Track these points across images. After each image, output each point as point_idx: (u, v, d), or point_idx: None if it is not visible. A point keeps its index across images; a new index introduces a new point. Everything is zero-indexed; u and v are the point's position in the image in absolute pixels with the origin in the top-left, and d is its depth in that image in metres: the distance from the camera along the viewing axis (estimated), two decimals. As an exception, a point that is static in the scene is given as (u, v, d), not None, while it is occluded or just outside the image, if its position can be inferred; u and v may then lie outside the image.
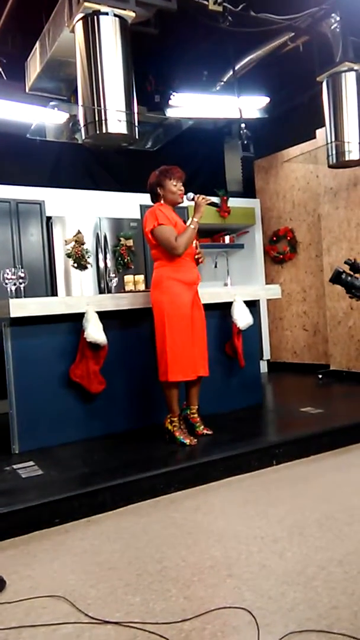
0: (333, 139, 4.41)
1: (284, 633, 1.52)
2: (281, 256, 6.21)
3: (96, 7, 3.19)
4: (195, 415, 3.45)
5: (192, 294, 3.27)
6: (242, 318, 3.85)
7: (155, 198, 3.29)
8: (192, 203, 3.28)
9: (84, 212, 5.17)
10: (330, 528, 2.23)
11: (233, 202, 6.12)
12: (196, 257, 3.32)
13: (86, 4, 3.15)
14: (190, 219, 3.22)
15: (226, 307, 3.92)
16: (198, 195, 3.25)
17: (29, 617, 1.71)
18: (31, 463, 3.04)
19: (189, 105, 5.16)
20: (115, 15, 3.25)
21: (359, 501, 2.51)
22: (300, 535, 2.18)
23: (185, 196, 3.26)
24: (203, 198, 3.23)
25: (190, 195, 3.26)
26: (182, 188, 3.24)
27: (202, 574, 1.92)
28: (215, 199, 5.68)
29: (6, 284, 3.58)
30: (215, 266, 6.24)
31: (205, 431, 3.41)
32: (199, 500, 2.66)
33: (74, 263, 4.97)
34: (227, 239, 6.27)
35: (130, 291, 4.06)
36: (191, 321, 3.22)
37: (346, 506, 2.45)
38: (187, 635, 1.55)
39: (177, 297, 3.17)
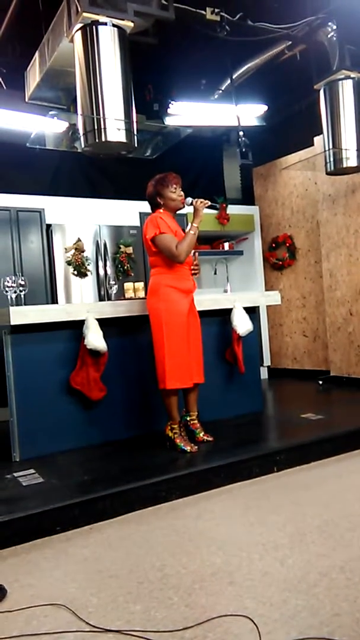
0: (331, 146, 4.44)
1: (286, 640, 1.52)
2: (280, 262, 6.22)
3: (95, 17, 3.22)
4: (195, 421, 3.45)
5: (189, 301, 3.28)
6: (242, 324, 3.85)
7: (155, 207, 3.29)
8: (192, 208, 3.28)
9: (84, 220, 5.19)
10: (332, 534, 2.22)
11: (232, 209, 6.14)
12: (193, 268, 3.32)
13: (85, 14, 3.18)
14: (189, 224, 3.22)
15: (226, 313, 3.93)
16: (196, 199, 3.25)
17: (30, 625, 1.71)
18: (32, 471, 3.04)
19: (187, 113, 5.20)
20: (113, 25, 3.28)
21: (360, 507, 2.50)
22: (301, 542, 2.18)
23: (184, 201, 3.26)
24: (201, 202, 3.23)
25: (189, 200, 3.26)
26: (182, 193, 3.24)
27: (203, 581, 1.92)
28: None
29: (6, 291, 3.59)
30: (215, 273, 6.27)
31: (205, 437, 3.41)
32: (200, 508, 2.65)
33: (74, 270, 4.99)
34: (226, 245, 6.29)
35: (130, 298, 4.08)
36: (187, 328, 3.22)
37: (347, 512, 2.45)
38: (188, 643, 1.55)
39: (174, 304, 3.18)
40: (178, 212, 3.33)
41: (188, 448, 3.19)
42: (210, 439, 3.41)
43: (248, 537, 2.25)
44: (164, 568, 2.04)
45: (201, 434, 3.41)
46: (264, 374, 6.14)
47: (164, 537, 2.33)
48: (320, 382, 5.35)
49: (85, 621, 1.70)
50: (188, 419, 3.44)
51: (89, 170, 5.85)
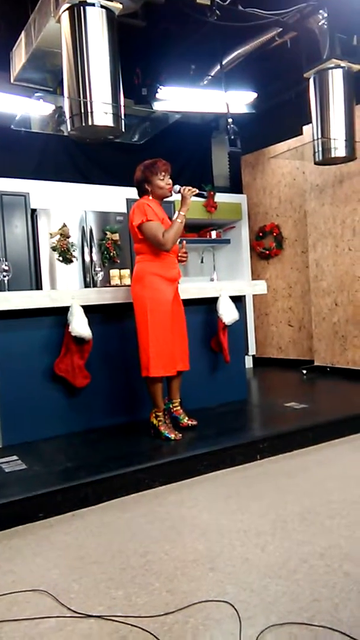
0: (319, 136, 4.42)
1: (265, 625, 1.54)
2: (267, 252, 6.23)
3: (83, -3, 3.16)
4: (178, 407, 3.46)
5: (174, 289, 3.27)
6: (227, 313, 3.86)
7: (142, 193, 3.26)
8: (179, 196, 3.25)
9: (70, 205, 5.13)
10: (313, 522, 2.25)
11: (220, 198, 6.12)
12: (181, 255, 3.32)
13: (72, -6, 3.12)
14: (177, 212, 3.20)
15: (212, 302, 3.93)
16: (184, 187, 3.22)
17: (11, 611, 1.71)
18: (15, 457, 3.02)
19: (176, 99, 5.14)
20: (101, 6, 3.21)
21: (341, 495, 2.53)
22: (282, 529, 2.20)
23: (172, 189, 3.23)
24: (189, 190, 3.21)
25: (177, 187, 3.23)
26: (170, 181, 3.21)
27: (185, 567, 1.93)
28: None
29: (-10, 277, 3.55)
30: (202, 261, 6.24)
31: (190, 422, 3.42)
32: (183, 495, 2.66)
33: (59, 256, 4.93)
34: (213, 234, 6.28)
35: (116, 285, 4.05)
36: (172, 317, 3.21)
37: (328, 500, 2.48)
38: (169, 629, 1.56)
39: (159, 292, 3.17)
40: (165, 199, 3.30)
41: (172, 436, 3.20)
42: (194, 422, 3.43)
43: (230, 524, 2.27)
44: (146, 554, 2.05)
45: (185, 419, 3.43)
46: (248, 362, 6.18)
47: (147, 523, 2.34)
48: (304, 372, 5.40)
49: (67, 607, 1.70)
50: (171, 406, 3.45)
51: (75, 155, 5.76)
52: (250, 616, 1.59)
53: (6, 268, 3.56)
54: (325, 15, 4.09)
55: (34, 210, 4.92)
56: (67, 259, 4.96)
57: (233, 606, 1.64)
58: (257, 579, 1.81)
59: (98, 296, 3.52)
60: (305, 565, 1.89)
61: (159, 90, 4.98)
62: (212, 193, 6.00)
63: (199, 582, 1.82)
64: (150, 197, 3.20)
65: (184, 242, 3.38)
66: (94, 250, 5.09)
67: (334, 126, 4.36)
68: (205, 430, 3.40)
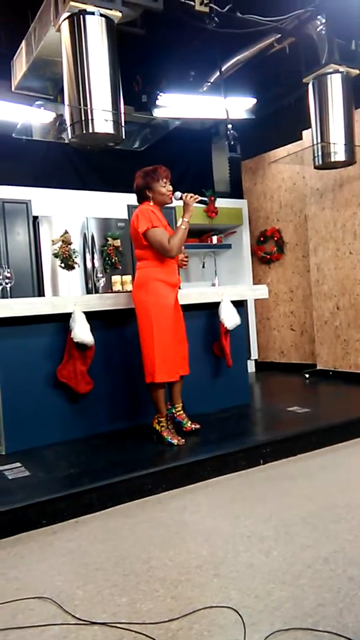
0: (319, 140, 4.44)
1: (270, 631, 1.53)
2: (268, 256, 6.23)
3: (82, 6, 3.18)
4: (181, 412, 3.46)
5: (175, 295, 3.29)
6: (229, 318, 3.86)
7: (142, 200, 3.27)
8: (180, 202, 3.26)
9: (71, 212, 5.15)
10: (317, 526, 2.25)
11: (221, 203, 6.13)
12: (182, 260, 3.33)
13: (72, 3, 3.14)
14: (180, 219, 3.21)
15: (214, 307, 3.93)
16: (186, 194, 3.23)
17: (16, 618, 1.71)
18: (18, 464, 3.02)
19: (176, 105, 5.17)
20: (101, 15, 3.24)
21: (344, 500, 2.53)
22: (286, 534, 2.20)
23: (172, 196, 3.25)
24: (191, 197, 3.22)
25: (178, 194, 3.24)
26: (171, 188, 3.23)
27: (189, 573, 1.93)
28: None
29: (-8, 284, 3.56)
30: (203, 266, 6.27)
31: (193, 426, 3.43)
32: (186, 500, 2.66)
33: (61, 263, 4.95)
34: (214, 239, 6.29)
35: (118, 291, 4.06)
36: (174, 322, 3.22)
37: (332, 504, 2.47)
38: (174, 635, 1.56)
39: (163, 298, 3.18)
40: (165, 206, 3.31)
41: (175, 441, 3.20)
42: (197, 426, 3.44)
43: (234, 529, 2.27)
44: (150, 560, 2.05)
45: (189, 424, 3.43)
46: (251, 367, 6.17)
47: (150, 529, 2.34)
48: (307, 376, 5.39)
49: (71, 614, 1.70)
50: (174, 411, 3.45)
51: (76, 162, 5.79)
52: (254, 622, 1.59)
53: (8, 275, 3.58)
54: (324, 20, 4.11)
55: (35, 218, 4.94)
56: (69, 265, 4.97)
57: (237, 612, 1.64)
58: (262, 584, 1.81)
59: (100, 302, 3.53)
60: (309, 570, 1.88)
61: (159, 97, 5.01)
62: (212, 198, 6.02)
63: (203, 588, 1.81)
64: (151, 204, 3.22)
65: (183, 247, 3.40)
66: (95, 256, 5.11)
67: (334, 130, 4.38)
68: (208, 435, 3.39)
